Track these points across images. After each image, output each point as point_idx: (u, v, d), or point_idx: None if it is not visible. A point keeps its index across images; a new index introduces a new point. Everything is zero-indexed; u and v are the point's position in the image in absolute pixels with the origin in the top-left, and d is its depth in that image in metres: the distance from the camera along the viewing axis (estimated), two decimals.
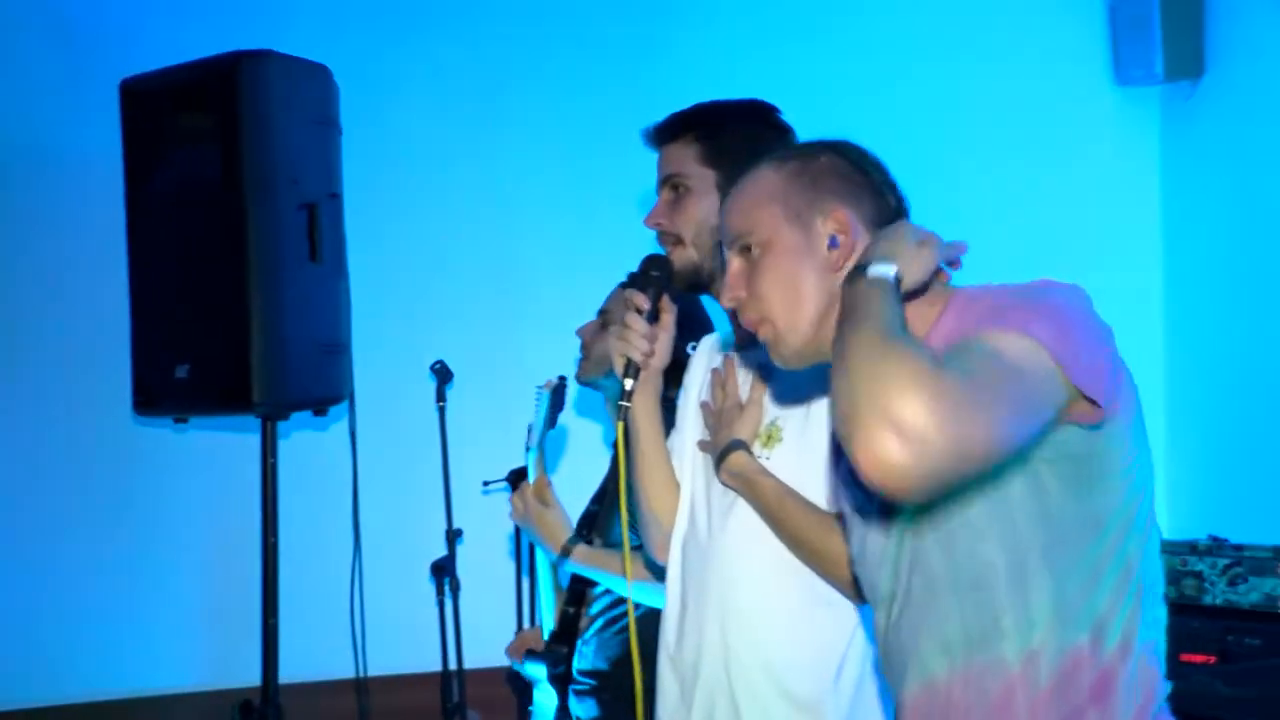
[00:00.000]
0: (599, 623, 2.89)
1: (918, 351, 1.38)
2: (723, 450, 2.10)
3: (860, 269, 1.54)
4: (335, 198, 3.20)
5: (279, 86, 3.06)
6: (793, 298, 1.69)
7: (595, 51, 3.96)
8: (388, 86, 3.73)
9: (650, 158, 3.84)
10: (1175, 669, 3.67)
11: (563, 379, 2.83)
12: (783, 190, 1.73)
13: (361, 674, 3.32)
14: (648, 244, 3.80)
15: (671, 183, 2.25)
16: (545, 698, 2.91)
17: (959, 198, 4.18)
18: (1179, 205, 4.35)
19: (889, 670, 1.71)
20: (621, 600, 2.84)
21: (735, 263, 1.76)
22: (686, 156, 2.23)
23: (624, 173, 3.81)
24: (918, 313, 1.62)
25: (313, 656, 3.47)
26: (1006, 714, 1.56)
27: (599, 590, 2.87)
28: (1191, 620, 3.64)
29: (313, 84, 3.15)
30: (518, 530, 3.38)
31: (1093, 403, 1.50)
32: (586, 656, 2.90)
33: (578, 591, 2.85)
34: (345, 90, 3.22)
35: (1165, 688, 1.63)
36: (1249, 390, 4.09)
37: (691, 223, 2.21)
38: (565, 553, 2.65)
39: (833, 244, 1.69)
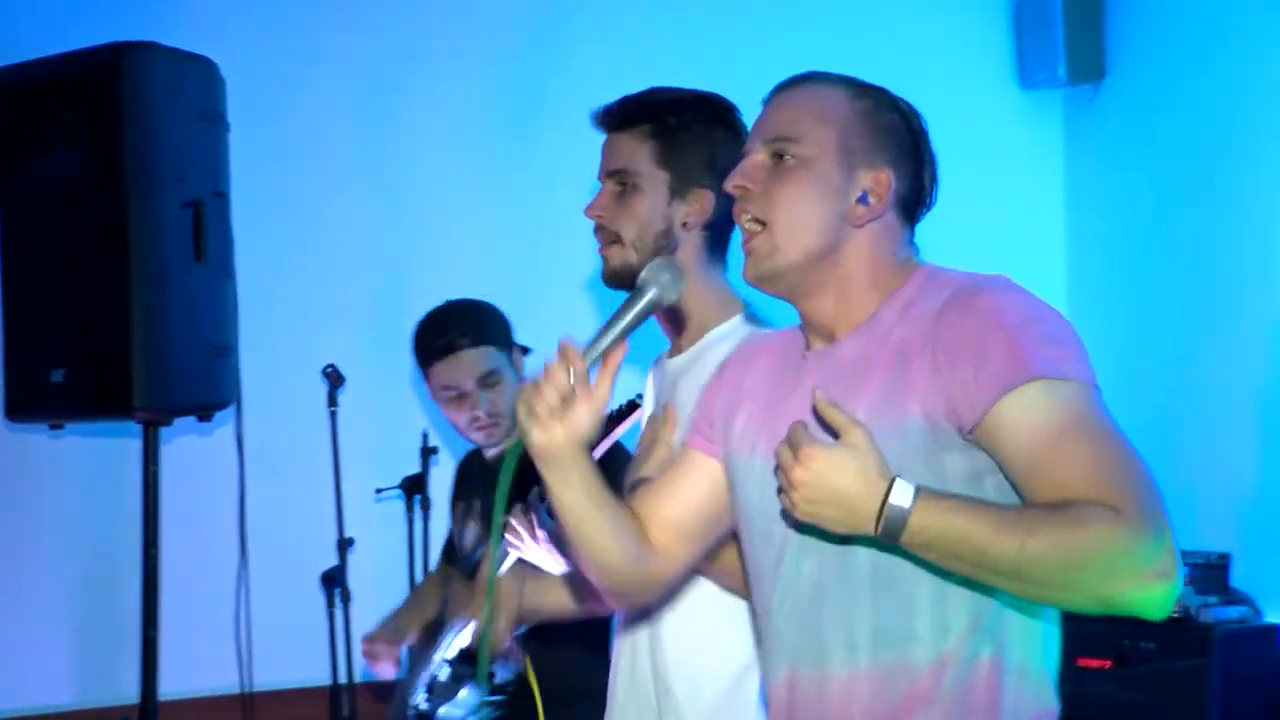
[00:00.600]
0: (520, 635, 2.80)
1: (1094, 520, 1.42)
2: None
3: (889, 528, 1.45)
4: (222, 196, 3.09)
5: (162, 80, 2.95)
6: (803, 224, 1.63)
7: (487, 45, 3.89)
8: (276, 81, 3.62)
9: (544, 152, 3.85)
10: (1073, 674, 3.67)
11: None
12: (847, 121, 1.65)
13: (247, 688, 3.23)
14: (541, 241, 3.76)
15: (619, 177, 2.09)
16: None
17: None
18: (1082, 204, 4.42)
19: (774, 652, 1.66)
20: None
21: (760, 156, 1.66)
22: (640, 152, 2.08)
23: (517, 168, 3.85)
24: (877, 283, 1.63)
25: (196, 671, 3.37)
26: (906, 718, 1.54)
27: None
28: (1089, 625, 3.61)
29: (197, 78, 3.05)
30: (411, 539, 3.29)
31: None
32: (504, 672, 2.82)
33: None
34: (232, 86, 3.11)
35: (1055, 713, 1.60)
36: (1149, 387, 4.12)
37: (635, 223, 2.07)
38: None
39: (863, 199, 1.64)
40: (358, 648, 3.11)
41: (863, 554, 1.56)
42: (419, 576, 3.27)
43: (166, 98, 2.95)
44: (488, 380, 2.76)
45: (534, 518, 2.32)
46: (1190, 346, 4.08)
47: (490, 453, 2.83)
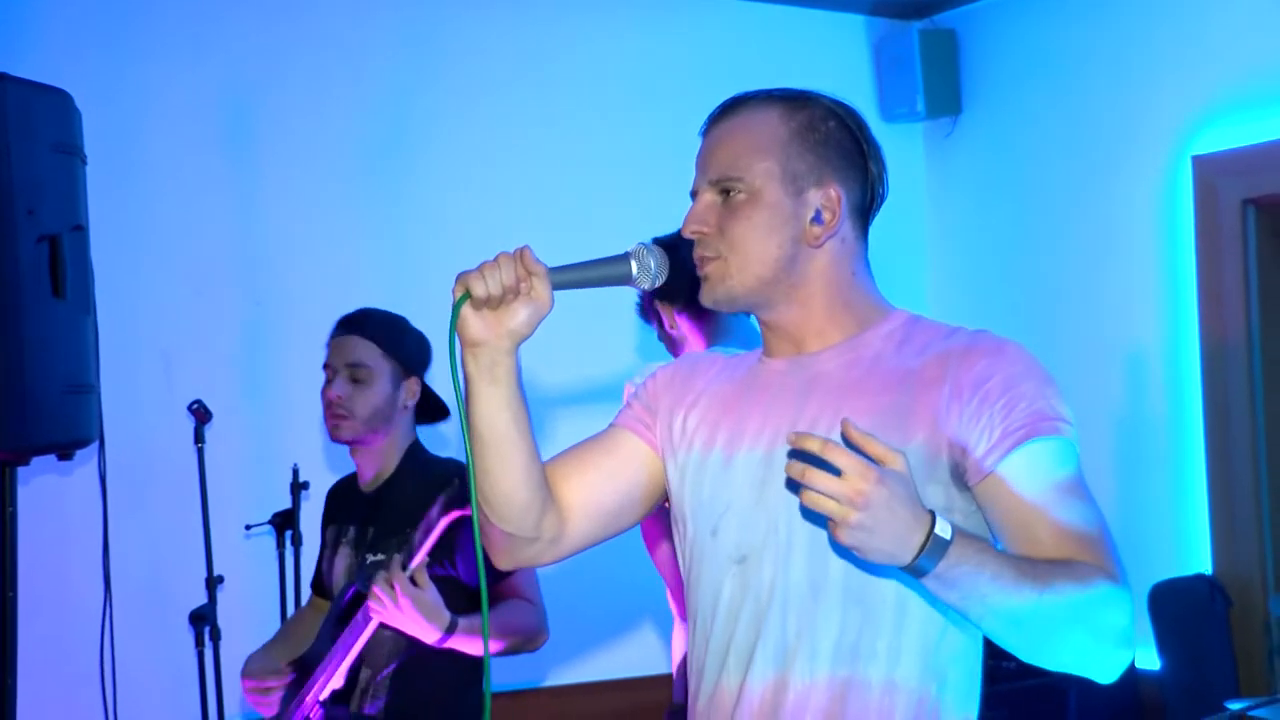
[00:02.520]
0: (392, 672, 2.71)
1: (1093, 581, 1.46)
2: None
3: (925, 562, 1.41)
4: (80, 230, 2.94)
5: (14, 111, 2.78)
6: (759, 252, 1.61)
7: (346, 72, 3.82)
8: (134, 114, 3.51)
9: (407, 178, 3.74)
10: None
11: None
12: (785, 145, 1.63)
13: None
14: (405, 269, 3.68)
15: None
16: None
17: None
18: (943, 229, 4.52)
19: (722, 654, 1.60)
20: (418, 657, 2.71)
21: (708, 196, 1.64)
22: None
23: (380, 197, 3.80)
24: (850, 306, 1.64)
25: (58, 717, 3.24)
26: None
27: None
28: None
29: (51, 109, 2.88)
30: (282, 575, 3.20)
31: None
32: (376, 711, 2.72)
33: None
34: (89, 118, 2.97)
35: None
36: None
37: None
38: (451, 628, 2.52)
39: (817, 219, 1.62)
40: (228, 688, 3.04)
41: (835, 562, 1.54)
42: (291, 613, 3.17)
43: (19, 130, 2.79)
44: (356, 372, 2.71)
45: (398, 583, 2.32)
46: (1050, 371, 4.13)
47: (362, 482, 2.77)
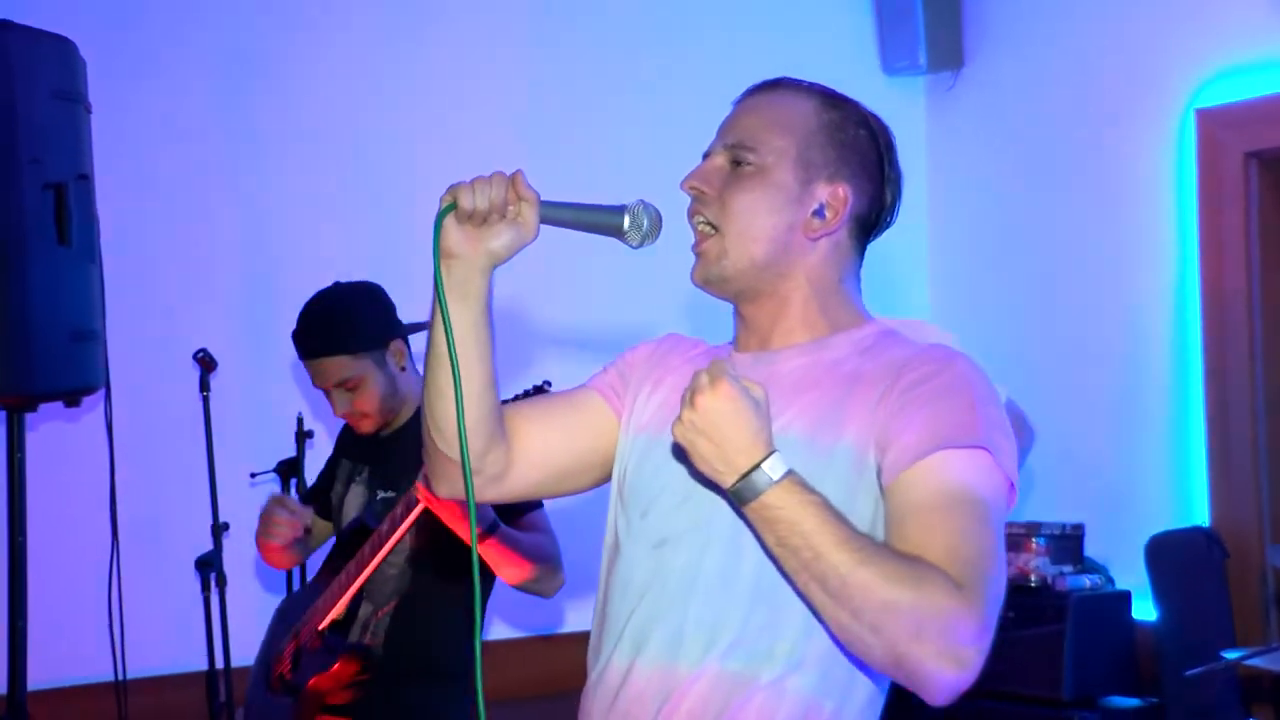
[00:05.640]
0: (391, 610, 2.73)
1: (932, 582, 1.36)
2: None
3: (745, 489, 1.39)
4: (85, 179, 2.89)
5: (17, 59, 2.73)
6: (755, 231, 1.56)
7: (344, 24, 3.77)
8: (139, 63, 3.46)
9: (408, 134, 3.68)
10: None
11: None
12: (810, 133, 1.58)
13: (121, 676, 3.05)
14: (406, 220, 3.61)
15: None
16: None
17: None
18: (944, 184, 4.45)
19: (619, 632, 1.55)
20: (417, 594, 2.72)
21: (719, 159, 1.60)
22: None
23: (385, 149, 3.73)
24: (826, 309, 1.59)
25: (67, 660, 3.23)
26: None
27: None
28: None
29: (55, 57, 2.82)
30: None
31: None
32: (377, 646, 2.73)
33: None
34: (95, 68, 2.92)
35: None
36: (1007, 371, 4.12)
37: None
38: (493, 529, 2.43)
39: (819, 213, 1.57)
40: (234, 632, 3.02)
41: (750, 559, 1.49)
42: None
43: (22, 78, 2.73)
44: (346, 384, 2.71)
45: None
46: (1049, 327, 4.14)
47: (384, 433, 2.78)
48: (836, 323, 1.59)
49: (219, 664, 3.03)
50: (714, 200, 1.58)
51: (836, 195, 1.57)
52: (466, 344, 1.51)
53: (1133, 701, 3.56)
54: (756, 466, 1.38)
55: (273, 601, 3.14)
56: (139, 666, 3.06)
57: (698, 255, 1.59)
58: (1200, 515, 3.75)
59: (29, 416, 2.86)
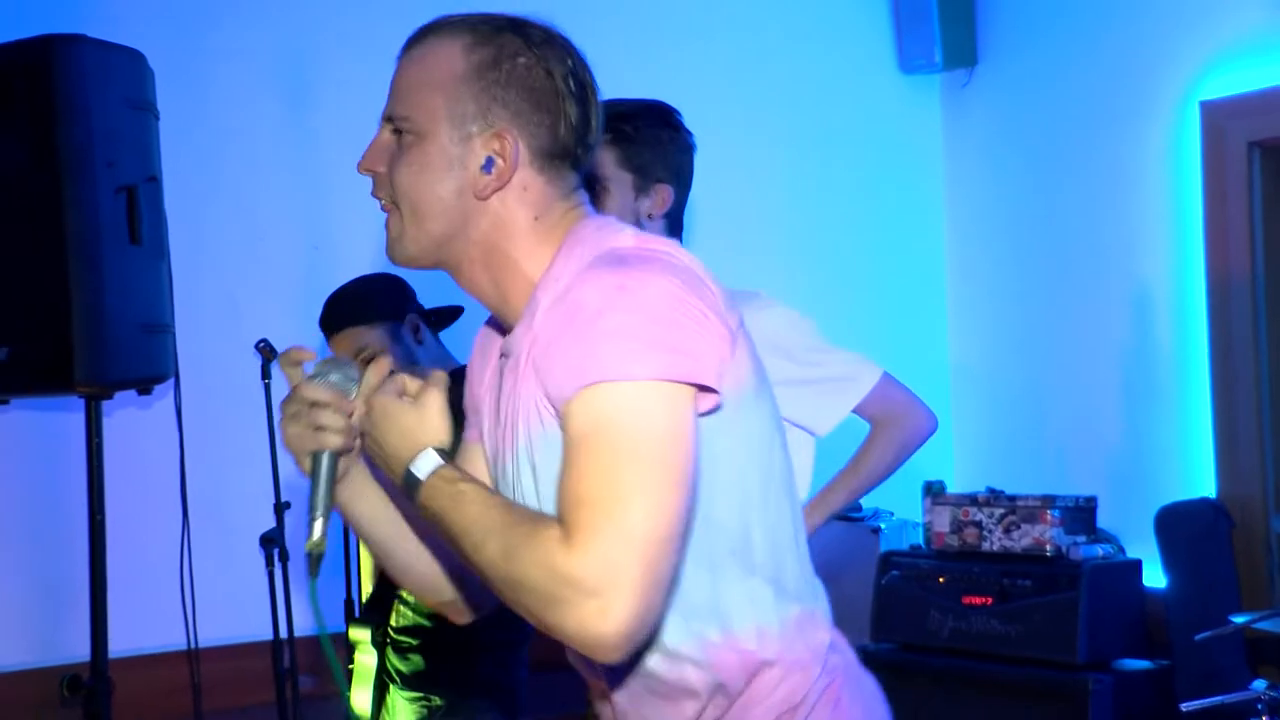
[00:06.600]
0: None
1: (538, 544, 1.23)
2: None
3: (408, 489, 1.36)
4: (154, 181, 3.00)
5: (92, 70, 2.86)
6: (425, 206, 1.41)
7: (404, 26, 3.81)
8: (201, 72, 3.55)
9: None
10: (959, 610, 3.78)
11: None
12: (458, 82, 1.40)
13: (194, 645, 3.16)
14: None
15: (591, 182, 2.15)
16: (366, 658, 2.84)
17: (754, 180, 4.18)
18: (959, 180, 4.49)
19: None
20: None
21: (384, 134, 1.45)
22: (606, 159, 2.20)
23: None
24: (531, 257, 1.41)
25: (144, 630, 3.31)
26: (686, 695, 1.43)
27: None
28: (973, 566, 3.72)
29: (126, 69, 2.95)
30: None
31: (711, 390, 1.31)
32: (405, 615, 2.81)
33: None
34: (160, 76, 3.03)
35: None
36: (1025, 350, 4.24)
37: None
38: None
39: (486, 167, 1.39)
40: (297, 604, 3.11)
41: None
42: (352, 535, 3.19)
43: (97, 88, 2.86)
44: (363, 354, 2.76)
45: None
46: (1062, 312, 4.17)
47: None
48: (539, 264, 1.41)
49: (283, 634, 3.09)
50: (384, 180, 1.44)
51: (502, 143, 1.39)
52: (379, 526, 1.53)
53: (1144, 664, 3.58)
54: (407, 468, 1.35)
55: (331, 573, 3.24)
56: (210, 636, 3.17)
57: (387, 234, 1.46)
58: (1207, 487, 3.77)
59: (105, 404, 2.97)
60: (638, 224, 2.15)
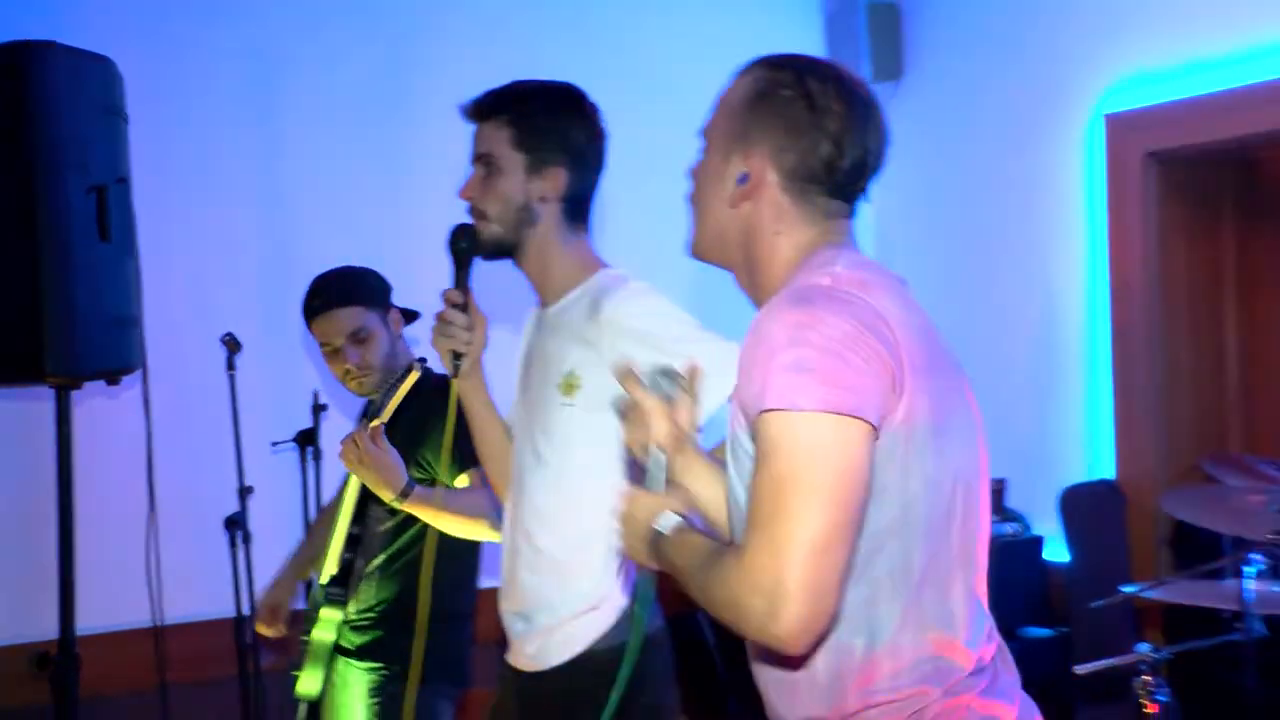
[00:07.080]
0: (380, 562, 2.90)
1: (727, 572, 1.39)
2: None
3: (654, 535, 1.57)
4: (123, 181, 3.05)
5: (64, 76, 2.91)
6: (700, 208, 1.66)
7: (363, 31, 3.87)
8: (170, 77, 3.61)
9: (414, 131, 3.90)
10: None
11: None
12: (734, 110, 1.61)
13: (158, 622, 3.21)
14: (410, 213, 3.81)
15: (484, 161, 2.22)
16: (325, 635, 2.91)
17: (680, 191, 4.29)
18: (885, 187, 4.53)
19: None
20: (402, 549, 2.87)
21: (701, 152, 1.68)
22: (500, 138, 2.17)
23: (389, 148, 3.89)
24: (770, 259, 1.59)
25: (111, 608, 3.36)
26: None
27: (384, 533, 2.88)
28: None
29: (97, 74, 3.00)
30: (305, 485, 3.35)
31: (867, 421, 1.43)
32: (368, 595, 2.91)
33: (354, 538, 2.86)
34: (130, 82, 3.11)
35: None
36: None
37: (498, 201, 2.19)
38: (404, 494, 2.59)
39: (741, 181, 1.60)
40: (259, 583, 3.19)
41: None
42: (312, 517, 3.34)
43: (69, 93, 2.91)
44: (357, 336, 2.82)
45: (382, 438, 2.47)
46: (978, 308, 4.28)
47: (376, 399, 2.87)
48: (774, 283, 1.62)
49: (245, 611, 3.19)
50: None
51: (753, 162, 1.59)
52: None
53: (1045, 632, 3.72)
54: (654, 529, 1.56)
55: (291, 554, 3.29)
56: (175, 614, 3.24)
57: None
58: (1107, 470, 3.91)
59: (74, 394, 2.99)
60: (527, 207, 2.15)
